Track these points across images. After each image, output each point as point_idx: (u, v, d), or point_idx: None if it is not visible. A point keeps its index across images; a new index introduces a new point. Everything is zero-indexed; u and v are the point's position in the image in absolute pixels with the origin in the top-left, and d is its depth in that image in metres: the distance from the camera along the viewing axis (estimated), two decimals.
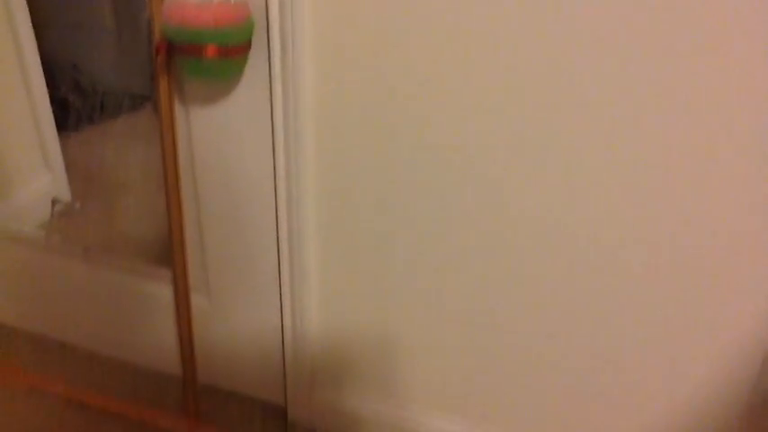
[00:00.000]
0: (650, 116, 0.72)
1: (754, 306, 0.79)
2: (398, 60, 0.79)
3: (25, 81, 1.44)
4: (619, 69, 0.71)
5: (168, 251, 1.04)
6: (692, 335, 0.84)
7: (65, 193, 1.57)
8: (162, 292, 1.15)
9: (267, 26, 0.82)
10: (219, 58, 0.82)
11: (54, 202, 1.51)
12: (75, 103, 1.92)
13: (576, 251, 0.83)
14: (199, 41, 0.81)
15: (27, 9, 1.39)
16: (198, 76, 0.90)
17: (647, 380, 0.89)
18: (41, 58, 1.47)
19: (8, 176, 1.39)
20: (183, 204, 1.02)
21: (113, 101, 2.03)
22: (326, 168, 0.90)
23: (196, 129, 0.95)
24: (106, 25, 2.01)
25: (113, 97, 2.02)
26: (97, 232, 1.49)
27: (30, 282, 1.28)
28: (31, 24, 1.42)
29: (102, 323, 1.25)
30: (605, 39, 0.70)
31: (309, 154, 0.89)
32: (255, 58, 0.86)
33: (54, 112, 1.53)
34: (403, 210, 0.89)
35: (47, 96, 1.51)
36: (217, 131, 0.94)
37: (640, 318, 0.85)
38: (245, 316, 1.10)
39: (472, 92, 0.77)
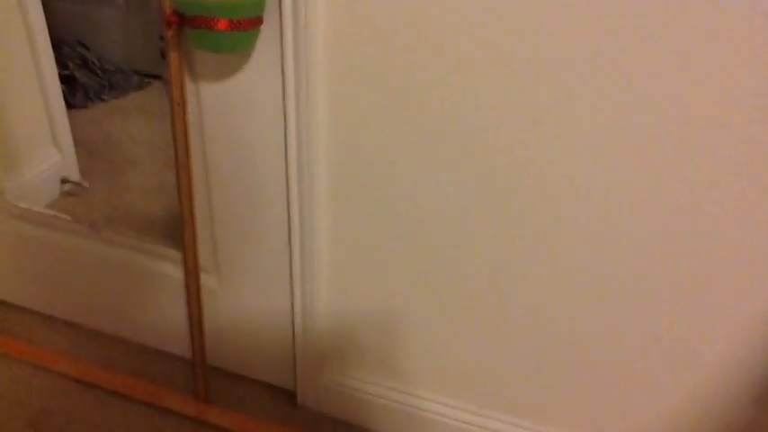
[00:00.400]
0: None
1: (761, 297, 0.78)
2: (415, 30, 0.76)
3: (35, 59, 1.43)
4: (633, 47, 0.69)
5: (178, 230, 1.03)
6: (700, 325, 0.83)
7: (74, 172, 1.57)
8: (171, 271, 1.14)
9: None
10: (231, 31, 0.80)
11: (63, 180, 1.51)
12: (82, 81, 1.91)
13: (582, 241, 0.82)
14: (210, 14, 0.80)
15: None
16: (209, 50, 0.88)
17: (653, 368, 0.88)
18: (50, 36, 1.46)
19: (17, 155, 1.39)
20: (192, 181, 1.00)
21: (121, 79, 2.02)
22: (338, 143, 0.88)
23: (207, 104, 0.93)
24: (115, 2, 2.00)
25: (121, 75, 2.01)
26: (106, 211, 1.48)
27: (39, 261, 1.27)
28: (40, 2, 1.41)
29: (111, 303, 1.25)
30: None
31: (321, 129, 0.87)
32: (267, 32, 0.84)
33: (62, 90, 1.52)
34: (415, 186, 0.87)
35: (56, 74, 1.50)
36: (228, 106, 0.92)
37: (649, 304, 0.84)
38: (255, 297, 1.09)
39: (485, 51, 0.75)
